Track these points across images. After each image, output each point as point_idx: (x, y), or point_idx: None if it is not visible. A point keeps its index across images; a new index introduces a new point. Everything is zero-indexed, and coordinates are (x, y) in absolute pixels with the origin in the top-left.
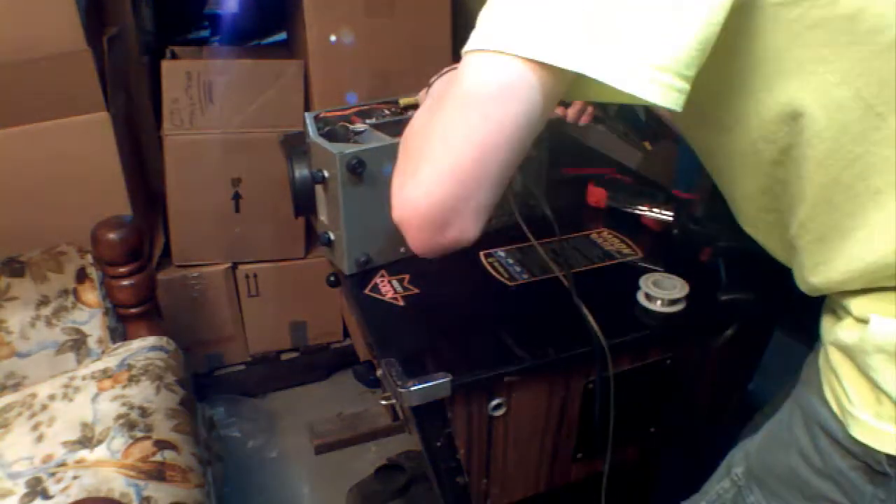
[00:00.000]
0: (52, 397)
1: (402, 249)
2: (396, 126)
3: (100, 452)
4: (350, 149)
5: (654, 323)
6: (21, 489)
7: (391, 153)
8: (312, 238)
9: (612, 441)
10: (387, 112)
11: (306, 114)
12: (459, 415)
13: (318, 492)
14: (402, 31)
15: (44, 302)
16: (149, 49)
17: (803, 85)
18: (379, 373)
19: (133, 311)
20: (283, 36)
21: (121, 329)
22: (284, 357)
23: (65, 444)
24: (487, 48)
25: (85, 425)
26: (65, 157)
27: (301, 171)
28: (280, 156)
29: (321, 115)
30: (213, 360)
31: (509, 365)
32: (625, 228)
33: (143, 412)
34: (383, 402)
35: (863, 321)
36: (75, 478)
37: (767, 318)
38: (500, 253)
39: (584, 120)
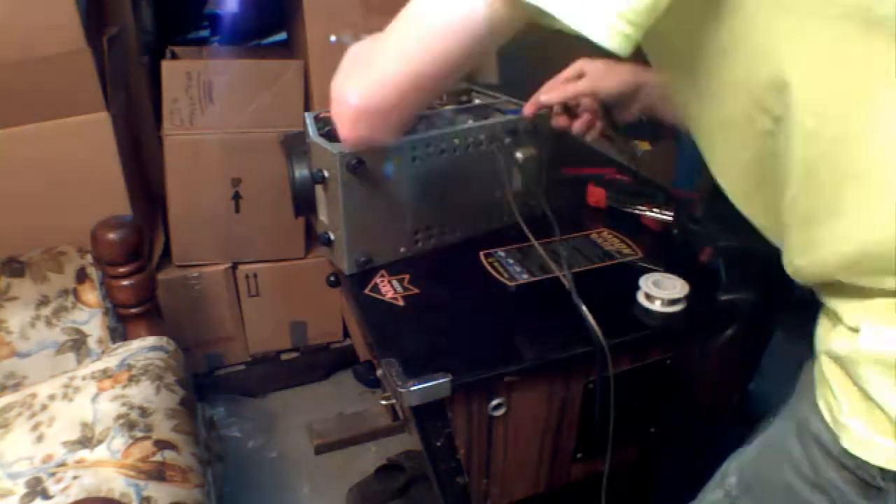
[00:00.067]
0: (52, 397)
1: (403, 249)
2: None
3: (100, 452)
4: (350, 148)
5: (654, 323)
6: (21, 489)
7: (392, 153)
8: (312, 238)
9: (612, 441)
10: None
11: (306, 114)
12: (459, 415)
13: (318, 492)
14: None
15: (44, 302)
16: (149, 49)
17: (789, 54)
18: (379, 373)
19: (133, 311)
20: (283, 36)
21: (121, 329)
22: (284, 357)
23: (65, 444)
24: None
25: (85, 425)
26: (65, 157)
27: (301, 171)
28: (280, 156)
29: (321, 115)
30: (213, 360)
31: (509, 365)
32: (625, 228)
33: (143, 412)
34: (383, 402)
35: (854, 330)
36: (75, 478)
37: (767, 318)
38: (500, 253)
39: (590, 136)
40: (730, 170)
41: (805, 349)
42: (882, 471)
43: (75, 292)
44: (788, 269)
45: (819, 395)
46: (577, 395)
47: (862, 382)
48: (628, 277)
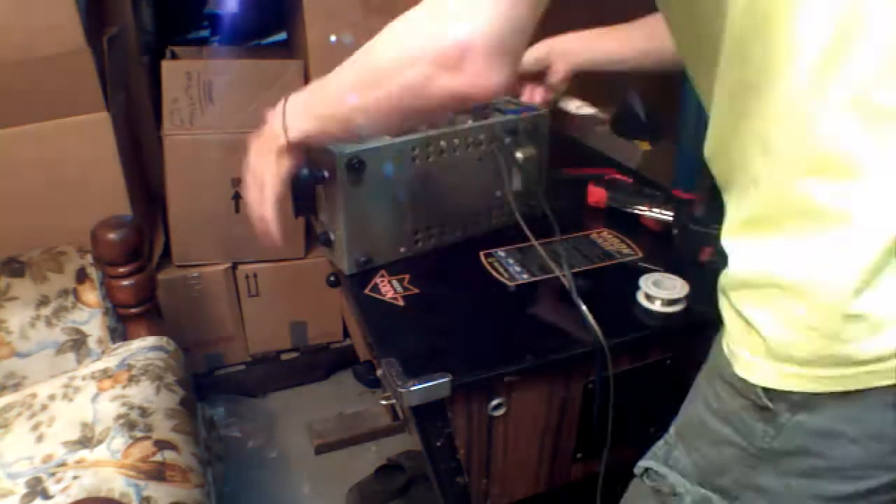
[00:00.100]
0: (52, 397)
1: (403, 249)
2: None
3: (100, 452)
4: (350, 148)
5: (654, 323)
6: (21, 489)
7: (392, 153)
8: (312, 238)
9: (611, 441)
10: None
11: None
12: (459, 415)
13: (318, 492)
14: None
15: (44, 302)
16: (149, 49)
17: None
18: (379, 373)
19: (133, 311)
20: (283, 36)
21: (121, 329)
22: (284, 357)
23: (65, 444)
24: None
25: (85, 425)
26: (65, 157)
27: (301, 171)
28: None
29: None
30: (213, 360)
31: (509, 365)
32: (625, 228)
33: (143, 412)
34: (383, 402)
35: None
36: (75, 478)
37: None
38: (500, 253)
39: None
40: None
41: None
42: (765, 390)
43: (75, 292)
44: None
45: (721, 333)
46: (577, 395)
47: (738, 307)
48: (628, 277)
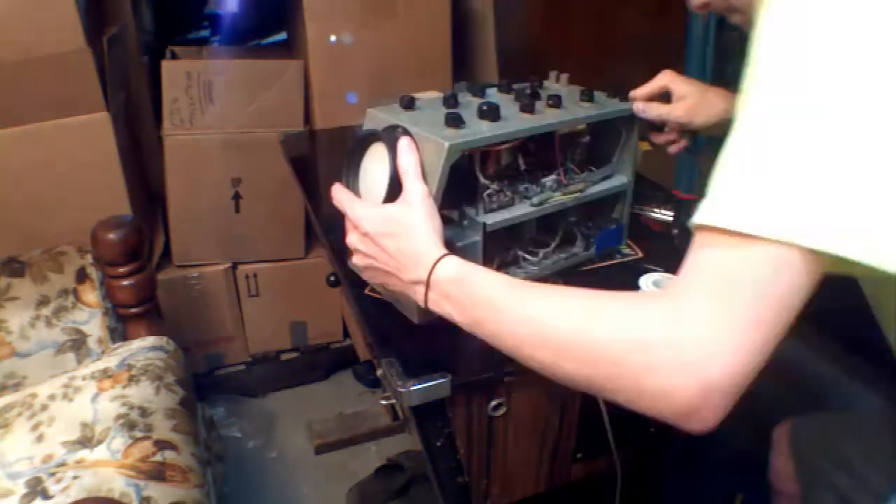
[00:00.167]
0: (52, 397)
1: None
2: None
3: (100, 452)
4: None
5: None
6: (21, 489)
7: None
8: (312, 238)
9: (611, 441)
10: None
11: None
12: (459, 415)
13: (318, 492)
14: (402, 31)
15: (44, 302)
16: (149, 49)
17: None
18: (379, 373)
19: (133, 311)
20: (283, 36)
21: (121, 329)
22: (284, 357)
23: (65, 444)
24: (760, 234)
25: (85, 425)
26: (65, 157)
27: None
28: (280, 156)
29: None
30: (213, 360)
31: (509, 365)
32: None
33: (143, 412)
34: (383, 402)
35: None
36: (75, 478)
37: None
38: None
39: (673, 149)
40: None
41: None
42: None
43: (75, 292)
44: None
45: None
46: (577, 395)
47: None
48: (628, 277)
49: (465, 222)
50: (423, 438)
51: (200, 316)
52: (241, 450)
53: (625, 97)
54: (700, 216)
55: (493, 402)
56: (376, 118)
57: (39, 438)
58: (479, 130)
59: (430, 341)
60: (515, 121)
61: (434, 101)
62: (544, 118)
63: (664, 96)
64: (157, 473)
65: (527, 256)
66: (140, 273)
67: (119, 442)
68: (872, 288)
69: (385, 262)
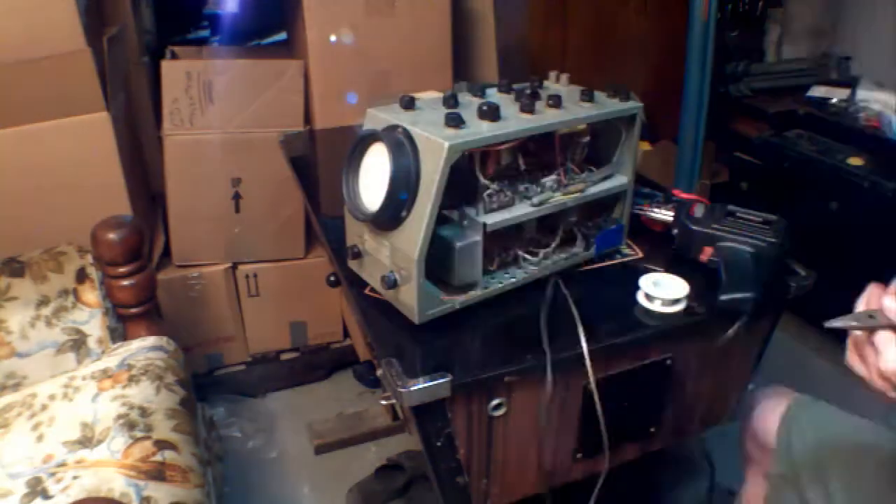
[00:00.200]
0: (52, 397)
1: None
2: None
3: (100, 452)
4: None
5: (654, 323)
6: (21, 489)
7: None
8: (312, 238)
9: (611, 441)
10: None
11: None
12: (459, 415)
13: (318, 492)
14: (402, 31)
15: (44, 302)
16: (149, 49)
17: None
18: (379, 373)
19: (133, 311)
20: (283, 36)
21: (121, 329)
22: (284, 357)
23: (65, 444)
24: None
25: (85, 425)
26: (65, 157)
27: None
28: (280, 156)
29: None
30: (213, 360)
31: (509, 365)
32: None
33: (143, 412)
34: (383, 402)
35: None
36: (75, 478)
37: (767, 318)
38: None
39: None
40: None
41: (804, 349)
42: None
43: (75, 292)
44: None
45: None
46: (577, 395)
47: None
48: (628, 277)
49: (465, 222)
50: (423, 438)
51: (200, 316)
52: (241, 450)
53: (625, 97)
54: None
55: (493, 402)
56: (376, 118)
57: (39, 438)
58: (479, 130)
59: (430, 341)
60: (515, 121)
61: (434, 101)
62: (544, 118)
63: None
64: (157, 473)
65: (527, 256)
66: (140, 273)
67: (119, 442)
68: None
69: None
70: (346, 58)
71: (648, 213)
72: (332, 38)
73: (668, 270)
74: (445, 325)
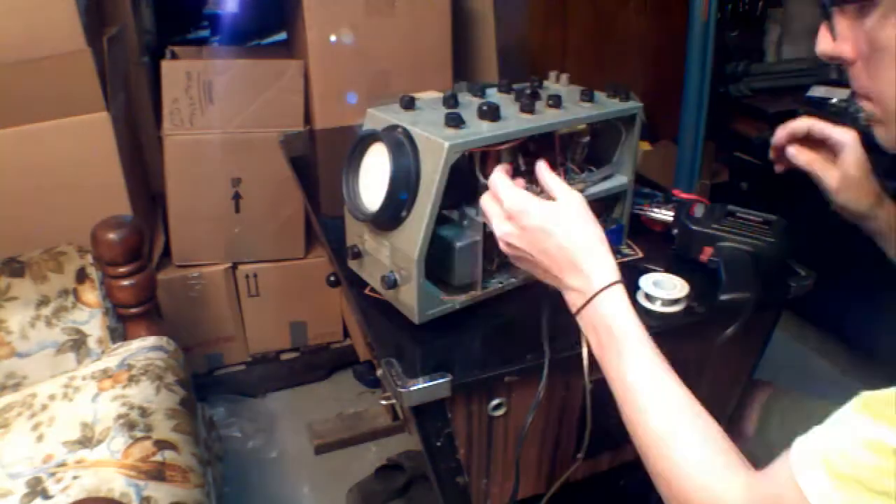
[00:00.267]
0: (52, 397)
1: None
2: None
3: (100, 452)
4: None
5: (654, 323)
6: (21, 489)
7: None
8: (312, 238)
9: (611, 441)
10: None
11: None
12: (459, 415)
13: (318, 492)
14: (402, 31)
15: (44, 302)
16: (149, 49)
17: None
18: (379, 373)
19: (133, 311)
20: (283, 36)
21: (121, 329)
22: (284, 357)
23: (65, 444)
24: None
25: (85, 425)
26: (65, 157)
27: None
28: (280, 156)
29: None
30: (213, 360)
31: (509, 365)
32: None
33: (143, 412)
34: (383, 402)
35: None
36: (75, 478)
37: (767, 317)
38: None
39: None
40: None
41: (804, 349)
42: None
43: (75, 292)
44: None
45: None
46: (577, 395)
47: None
48: (628, 277)
49: (465, 222)
50: (423, 438)
51: (200, 316)
52: (241, 450)
53: (625, 97)
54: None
55: (493, 402)
56: (376, 118)
57: (39, 438)
58: (479, 130)
59: (430, 341)
60: (515, 121)
61: (434, 101)
62: (544, 118)
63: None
64: (157, 473)
65: None
66: (140, 273)
67: (119, 442)
68: None
69: (547, 258)
70: (346, 58)
71: (648, 213)
72: (332, 38)
73: (668, 270)
74: (445, 325)
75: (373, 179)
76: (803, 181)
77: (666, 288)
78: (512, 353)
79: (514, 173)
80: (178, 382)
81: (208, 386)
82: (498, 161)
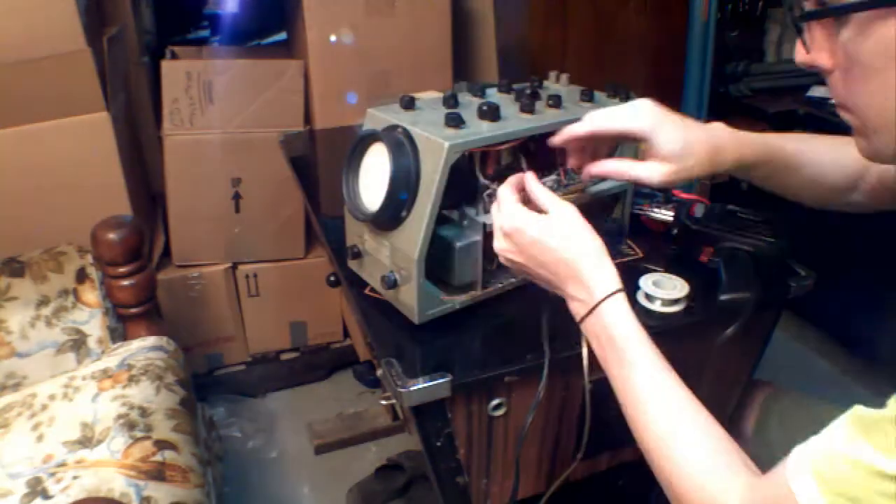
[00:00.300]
0: (52, 397)
1: None
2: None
3: (100, 452)
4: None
5: (654, 323)
6: (21, 489)
7: None
8: (312, 238)
9: (611, 441)
10: None
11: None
12: (459, 415)
13: (318, 492)
14: (402, 31)
15: (44, 302)
16: (149, 49)
17: None
18: (379, 373)
19: (133, 311)
20: (283, 36)
21: (121, 329)
22: (284, 357)
23: (65, 444)
24: None
25: (85, 425)
26: (65, 157)
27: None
28: (280, 156)
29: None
30: (213, 360)
31: (509, 365)
32: None
33: (143, 412)
34: (383, 402)
35: None
36: (75, 478)
37: (767, 317)
38: None
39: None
40: None
41: (804, 349)
42: None
43: (75, 292)
44: None
45: None
46: (576, 395)
47: None
48: (628, 277)
49: (465, 222)
50: (423, 438)
51: (200, 316)
52: (241, 450)
53: (625, 97)
54: None
55: (493, 402)
56: (376, 118)
57: (39, 438)
58: (479, 130)
59: (430, 341)
60: (515, 121)
61: (434, 101)
62: (544, 118)
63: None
64: (157, 473)
65: None
66: (140, 273)
67: (119, 442)
68: None
69: (547, 271)
70: (346, 58)
71: (648, 213)
72: (332, 38)
73: (668, 270)
74: (445, 325)
75: (373, 179)
76: None
77: (666, 288)
78: (512, 353)
79: (514, 173)
80: (178, 382)
81: (208, 386)
82: (498, 161)
